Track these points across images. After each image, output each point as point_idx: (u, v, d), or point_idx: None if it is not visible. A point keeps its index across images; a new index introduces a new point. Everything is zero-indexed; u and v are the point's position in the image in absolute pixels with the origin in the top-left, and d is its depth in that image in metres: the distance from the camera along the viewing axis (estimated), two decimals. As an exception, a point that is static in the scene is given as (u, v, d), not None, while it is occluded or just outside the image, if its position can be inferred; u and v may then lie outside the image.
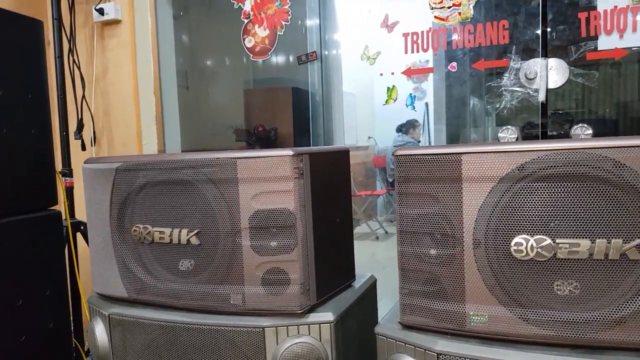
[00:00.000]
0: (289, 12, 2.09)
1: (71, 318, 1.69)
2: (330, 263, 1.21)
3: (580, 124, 1.65)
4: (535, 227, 0.87)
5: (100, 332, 1.24)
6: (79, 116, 2.25)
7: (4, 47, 1.36)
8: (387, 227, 2.91)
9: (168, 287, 1.18)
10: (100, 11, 2.28)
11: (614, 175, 0.82)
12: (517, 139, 1.74)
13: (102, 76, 2.38)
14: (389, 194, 3.07)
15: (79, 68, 2.27)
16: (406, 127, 2.42)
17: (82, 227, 1.97)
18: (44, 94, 1.51)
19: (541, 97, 1.70)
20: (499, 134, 1.75)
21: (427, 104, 2.08)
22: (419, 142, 2.35)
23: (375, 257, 2.30)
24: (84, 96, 2.28)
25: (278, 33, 2.11)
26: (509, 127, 1.78)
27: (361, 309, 1.28)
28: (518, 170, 0.88)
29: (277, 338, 1.09)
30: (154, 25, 2.33)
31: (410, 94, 1.97)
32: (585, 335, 0.85)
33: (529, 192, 0.87)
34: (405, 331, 1.01)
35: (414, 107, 1.98)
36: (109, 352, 1.24)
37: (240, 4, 2.15)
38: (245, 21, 2.15)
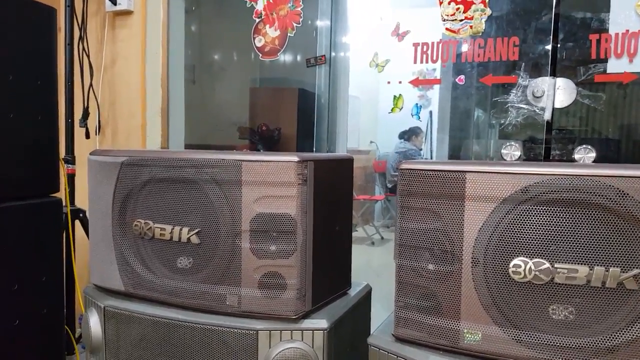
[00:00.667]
0: (301, 14, 2.09)
1: (65, 305, 1.69)
2: (327, 270, 1.22)
3: (584, 146, 1.65)
4: (534, 250, 0.88)
5: (94, 323, 1.25)
6: (85, 104, 2.25)
7: (17, 33, 1.36)
8: (384, 233, 2.91)
9: (165, 283, 1.19)
10: (113, 1, 2.28)
11: (617, 204, 0.83)
12: (520, 156, 1.75)
13: (110, 66, 2.38)
14: (387, 199, 3.08)
15: (88, 56, 2.27)
16: (408, 134, 2.43)
17: (80, 215, 1.98)
18: (52, 81, 1.51)
19: (547, 115, 1.71)
20: (502, 150, 1.76)
21: (431, 113, 2.09)
22: (421, 150, 2.36)
23: (370, 263, 2.30)
24: (91, 85, 2.28)
25: (289, 34, 2.11)
26: (512, 143, 1.78)
27: (355, 318, 1.29)
28: (521, 192, 0.88)
29: (270, 342, 1.10)
30: (165, 18, 2.33)
31: (416, 103, 1.97)
32: (577, 360, 0.86)
33: (531, 215, 0.88)
34: (398, 344, 1.02)
35: (419, 117, 1.98)
36: (102, 343, 1.24)
37: (252, 3, 2.15)
38: (257, 20, 2.15)
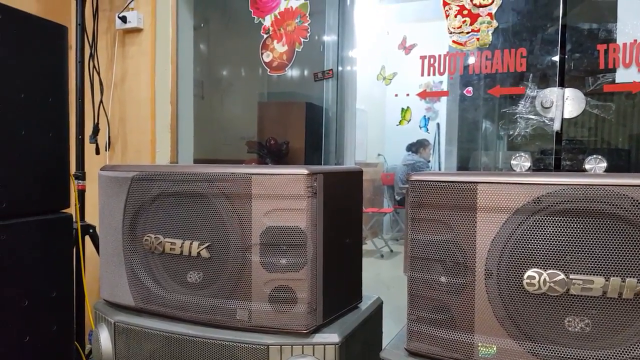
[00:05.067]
0: (308, 29, 2.11)
1: (75, 321, 1.69)
2: (338, 283, 1.21)
3: (595, 156, 1.64)
4: (548, 261, 0.87)
5: (104, 339, 1.24)
6: (96, 121, 2.27)
7: (29, 51, 1.39)
8: (393, 246, 2.90)
9: (175, 298, 1.18)
10: (123, 19, 2.32)
11: (631, 213, 0.82)
12: (530, 167, 1.74)
13: (120, 82, 2.41)
14: (395, 212, 3.06)
15: (98, 73, 2.30)
16: (416, 147, 2.42)
17: (90, 231, 1.98)
18: (63, 98, 1.53)
19: (556, 126, 1.70)
20: (512, 161, 1.75)
21: (438, 125, 2.09)
22: (429, 162, 2.35)
23: (380, 276, 2.29)
24: (101, 101, 2.31)
25: (296, 49, 2.13)
26: (521, 154, 1.78)
27: (366, 332, 1.28)
28: (534, 202, 0.87)
29: (281, 356, 1.09)
30: (174, 35, 2.36)
31: (424, 115, 1.97)
32: (595, 373, 0.84)
33: (544, 226, 0.87)
34: (411, 358, 1.00)
35: (428, 130, 1.98)
36: (113, 359, 1.23)
37: (260, 19, 2.18)
38: (265, 36, 2.18)
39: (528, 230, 0.88)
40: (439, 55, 1.86)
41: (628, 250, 0.82)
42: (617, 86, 1.63)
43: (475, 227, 0.92)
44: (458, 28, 1.81)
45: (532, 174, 0.90)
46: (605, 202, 0.83)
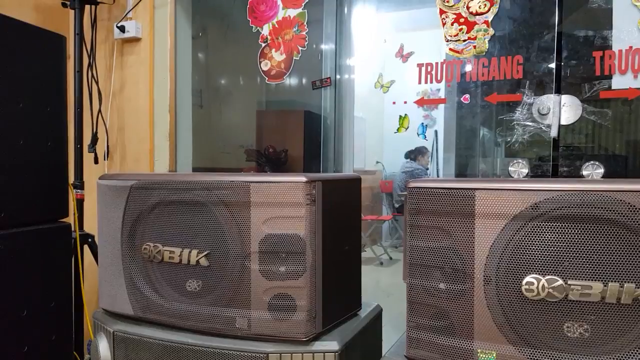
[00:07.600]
0: (306, 38, 2.12)
1: (73, 331, 1.68)
2: (337, 291, 1.21)
3: (592, 162, 1.65)
4: (547, 267, 0.87)
5: (103, 349, 1.24)
6: (94, 130, 2.28)
7: (27, 61, 1.39)
8: (392, 253, 2.90)
9: (174, 307, 1.18)
10: (122, 28, 2.33)
11: (629, 219, 0.82)
12: (527, 174, 1.75)
13: (119, 92, 2.42)
14: (394, 219, 3.07)
15: (97, 83, 2.31)
16: (415, 154, 2.44)
17: (89, 240, 1.98)
18: (62, 108, 1.53)
19: (553, 132, 1.71)
20: (510, 168, 1.75)
21: (436, 132, 2.10)
22: (427, 169, 2.37)
23: (380, 283, 2.29)
24: (100, 110, 2.32)
25: (294, 58, 2.14)
26: (519, 160, 1.78)
27: (366, 339, 1.27)
28: (532, 208, 0.88)
29: (281, 365, 1.08)
30: (172, 44, 2.37)
31: (422, 123, 1.98)
32: (595, 379, 0.84)
33: (541, 232, 0.87)
34: (411, 365, 1.00)
35: (425, 137, 1.99)
36: (111, 369, 1.23)
37: (258, 27, 2.19)
38: (263, 45, 2.19)
39: (526, 236, 0.88)
40: (436, 63, 1.88)
41: (626, 256, 0.82)
42: (613, 92, 1.64)
43: (474, 233, 0.92)
44: (455, 36, 1.83)
45: (530, 181, 0.91)
46: (602, 208, 0.83)
